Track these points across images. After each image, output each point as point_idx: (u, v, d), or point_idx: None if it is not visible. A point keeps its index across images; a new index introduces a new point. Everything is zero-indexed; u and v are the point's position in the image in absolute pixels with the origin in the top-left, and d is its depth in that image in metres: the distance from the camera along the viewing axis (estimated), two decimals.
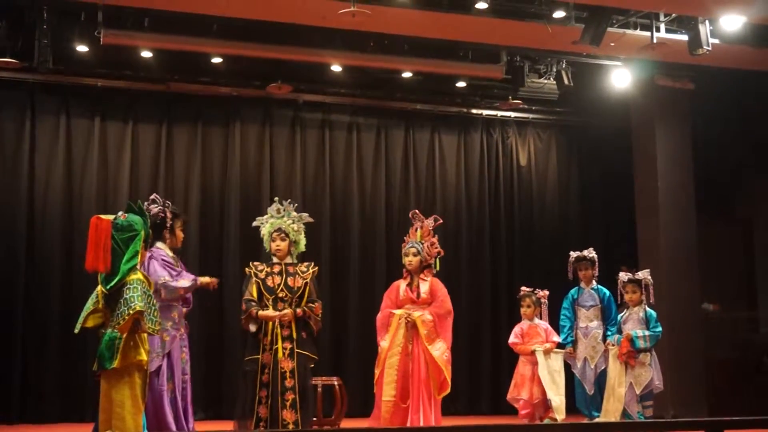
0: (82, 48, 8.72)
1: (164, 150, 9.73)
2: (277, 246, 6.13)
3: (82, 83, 9.43)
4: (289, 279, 6.05)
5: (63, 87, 9.41)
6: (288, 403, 5.84)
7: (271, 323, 5.93)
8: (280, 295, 6.01)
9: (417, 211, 6.93)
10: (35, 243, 9.19)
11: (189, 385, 6.06)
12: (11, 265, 9.05)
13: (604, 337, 7.88)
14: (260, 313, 5.95)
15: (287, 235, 6.14)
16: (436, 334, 6.49)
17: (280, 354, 5.88)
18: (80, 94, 9.51)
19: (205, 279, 6.18)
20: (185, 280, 5.98)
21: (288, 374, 5.88)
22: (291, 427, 5.77)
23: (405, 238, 6.83)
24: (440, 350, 6.46)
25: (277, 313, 5.92)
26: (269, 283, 6.04)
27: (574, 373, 8.01)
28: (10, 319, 8.94)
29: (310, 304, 6.03)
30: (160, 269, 5.88)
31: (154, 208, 5.99)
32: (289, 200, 6.36)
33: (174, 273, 5.97)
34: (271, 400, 5.85)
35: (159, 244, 6.01)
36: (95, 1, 7.93)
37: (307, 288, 6.05)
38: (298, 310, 5.97)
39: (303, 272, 6.10)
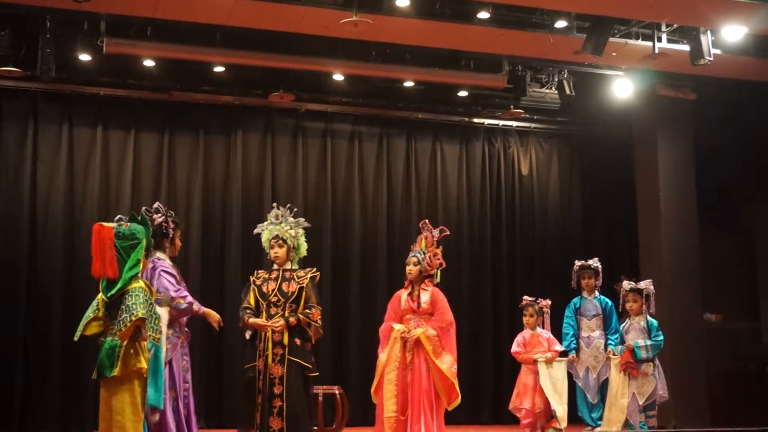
0: (84, 57, 8.73)
1: (166, 158, 9.74)
2: (276, 253, 6.13)
3: (84, 92, 9.45)
4: (283, 284, 6.03)
5: (65, 96, 9.43)
6: (275, 411, 5.79)
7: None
8: (273, 299, 5.99)
9: (427, 221, 6.91)
10: (37, 251, 9.19)
11: (191, 394, 6.04)
12: (13, 274, 9.04)
13: (606, 347, 7.88)
14: (250, 320, 5.95)
15: (285, 241, 6.13)
16: (441, 348, 6.43)
17: (269, 359, 5.86)
18: (83, 102, 9.53)
19: (213, 315, 6.05)
20: (182, 301, 5.89)
21: (277, 380, 5.84)
22: None
23: (411, 246, 6.81)
24: (448, 363, 6.40)
25: (267, 322, 5.88)
26: (264, 288, 6.04)
27: (576, 382, 8.01)
28: (12, 327, 8.93)
29: (307, 311, 5.97)
30: (167, 284, 5.85)
31: (159, 218, 5.98)
32: (288, 205, 6.35)
33: (176, 288, 5.93)
34: (262, 406, 5.82)
35: (159, 254, 5.99)
36: (98, 10, 7.96)
37: (303, 293, 6.00)
38: (291, 319, 5.91)
39: (300, 277, 6.07)
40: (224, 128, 10.04)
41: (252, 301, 6.05)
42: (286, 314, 5.95)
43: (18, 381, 8.86)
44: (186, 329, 6.11)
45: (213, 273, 9.67)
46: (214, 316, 6.00)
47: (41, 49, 8.11)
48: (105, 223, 4.91)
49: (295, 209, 6.35)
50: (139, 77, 9.48)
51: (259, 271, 6.21)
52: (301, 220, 6.28)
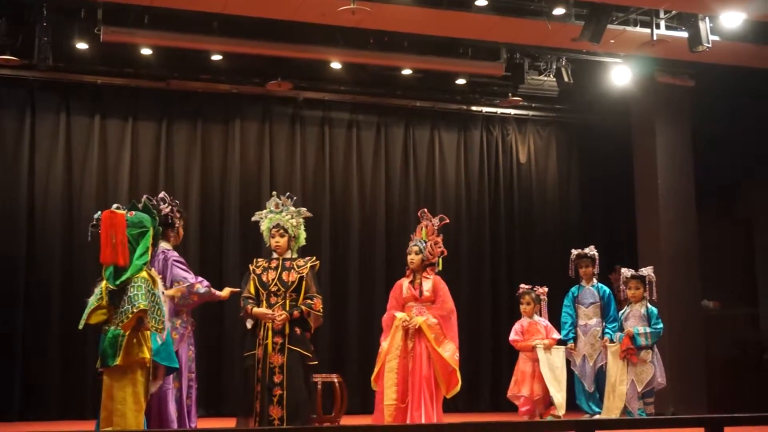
0: (82, 45, 8.71)
1: (164, 147, 9.73)
2: (276, 242, 6.10)
3: (82, 80, 9.43)
4: (284, 273, 6.01)
5: (63, 84, 9.41)
6: (275, 399, 5.78)
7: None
8: (273, 289, 5.97)
9: (426, 210, 6.92)
10: (35, 240, 9.19)
11: (194, 383, 6.06)
12: (11, 263, 9.04)
13: (603, 335, 7.90)
14: (254, 310, 5.94)
15: (286, 230, 6.11)
16: (443, 336, 6.48)
17: (269, 348, 5.85)
18: (80, 91, 9.51)
19: (224, 293, 6.18)
20: (200, 286, 5.96)
21: (277, 369, 5.82)
22: (276, 423, 5.70)
23: (411, 235, 6.82)
24: (450, 351, 6.46)
25: (271, 313, 5.87)
26: (264, 278, 6.03)
27: (574, 370, 8.03)
28: (11, 316, 8.94)
29: (308, 301, 5.96)
30: (183, 272, 5.87)
31: (165, 208, 5.98)
32: (288, 193, 6.34)
33: (192, 275, 5.96)
34: (261, 395, 5.83)
35: (164, 244, 5.98)
36: None
37: (303, 282, 5.99)
38: (295, 312, 5.89)
39: (300, 267, 6.05)
40: (222, 117, 10.03)
41: (252, 290, 6.03)
42: (287, 303, 5.95)
43: (18, 370, 8.86)
44: (191, 319, 6.12)
45: (211, 262, 9.67)
46: (225, 293, 6.17)
47: (38, 38, 8.10)
48: (116, 210, 4.89)
49: (295, 198, 6.34)
50: (137, 66, 9.45)
51: (259, 260, 6.19)
52: (303, 209, 6.26)
